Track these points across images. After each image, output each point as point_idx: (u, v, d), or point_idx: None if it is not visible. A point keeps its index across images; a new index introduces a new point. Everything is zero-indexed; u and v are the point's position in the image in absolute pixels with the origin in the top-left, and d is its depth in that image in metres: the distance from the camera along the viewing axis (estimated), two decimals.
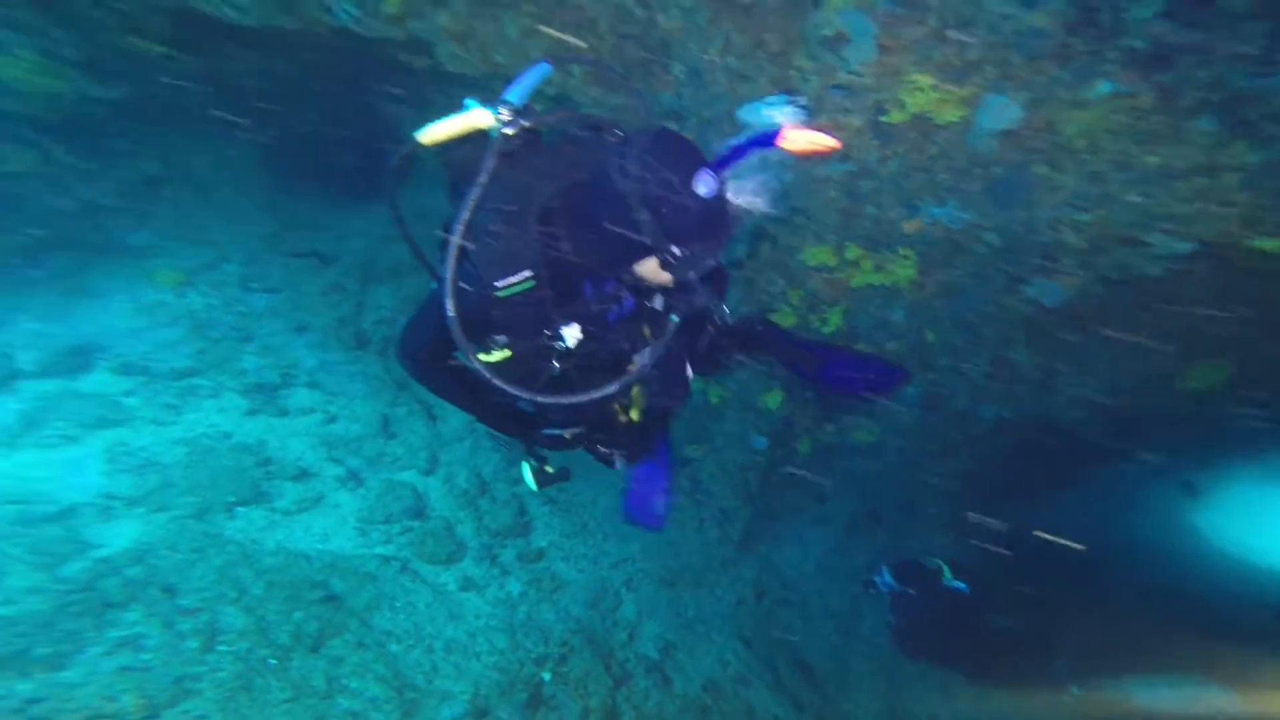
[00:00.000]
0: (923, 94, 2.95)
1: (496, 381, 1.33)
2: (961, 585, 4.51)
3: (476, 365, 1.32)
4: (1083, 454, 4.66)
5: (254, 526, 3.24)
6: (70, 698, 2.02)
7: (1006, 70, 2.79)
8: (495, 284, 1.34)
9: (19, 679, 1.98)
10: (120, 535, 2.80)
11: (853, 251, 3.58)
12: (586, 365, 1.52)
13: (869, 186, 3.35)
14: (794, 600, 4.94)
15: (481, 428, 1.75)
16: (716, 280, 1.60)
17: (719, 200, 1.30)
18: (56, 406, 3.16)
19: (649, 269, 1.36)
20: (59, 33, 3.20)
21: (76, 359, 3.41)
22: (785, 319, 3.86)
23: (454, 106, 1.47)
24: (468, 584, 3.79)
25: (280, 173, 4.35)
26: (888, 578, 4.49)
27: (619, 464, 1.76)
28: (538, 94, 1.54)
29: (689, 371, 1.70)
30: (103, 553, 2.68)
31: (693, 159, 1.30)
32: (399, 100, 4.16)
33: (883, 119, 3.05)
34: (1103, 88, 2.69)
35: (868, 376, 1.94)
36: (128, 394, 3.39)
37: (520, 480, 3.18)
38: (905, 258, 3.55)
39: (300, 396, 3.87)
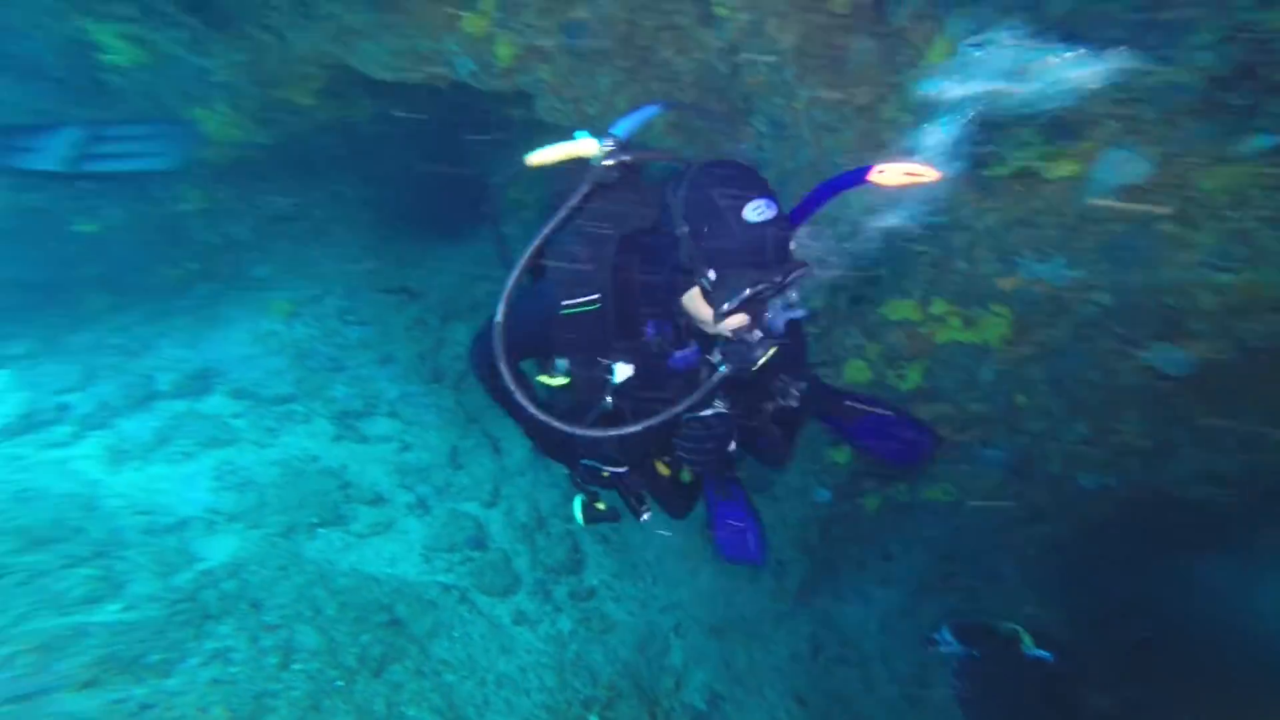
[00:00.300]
0: (1030, 148, 2.80)
1: (517, 395, 1.32)
2: (1045, 654, 4.02)
3: (504, 372, 1.32)
4: (1215, 523, 4.09)
5: (331, 547, 3.49)
6: (173, 706, 2.25)
7: (1133, 125, 2.60)
8: (563, 301, 1.38)
9: (134, 684, 2.23)
10: (220, 549, 3.11)
11: (940, 306, 3.44)
12: (636, 409, 1.52)
13: (962, 240, 3.21)
14: (853, 659, 4.64)
15: (539, 460, 1.78)
16: (791, 352, 1.52)
17: (770, 231, 1.24)
18: (182, 426, 3.60)
19: (694, 301, 1.33)
20: (249, 88, 3.70)
21: (201, 382, 3.88)
22: (859, 373, 3.73)
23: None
24: (521, 618, 3.87)
25: (383, 212, 4.78)
26: (948, 636, 4.05)
27: (645, 516, 1.70)
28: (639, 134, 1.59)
29: (732, 443, 1.58)
30: (205, 565, 2.99)
31: (749, 185, 1.27)
32: (492, 147, 4.48)
33: (983, 172, 2.92)
34: (1260, 141, 2.43)
35: (893, 445, 1.82)
36: (237, 416, 3.80)
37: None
38: (998, 315, 3.35)
39: (380, 425, 4.17)
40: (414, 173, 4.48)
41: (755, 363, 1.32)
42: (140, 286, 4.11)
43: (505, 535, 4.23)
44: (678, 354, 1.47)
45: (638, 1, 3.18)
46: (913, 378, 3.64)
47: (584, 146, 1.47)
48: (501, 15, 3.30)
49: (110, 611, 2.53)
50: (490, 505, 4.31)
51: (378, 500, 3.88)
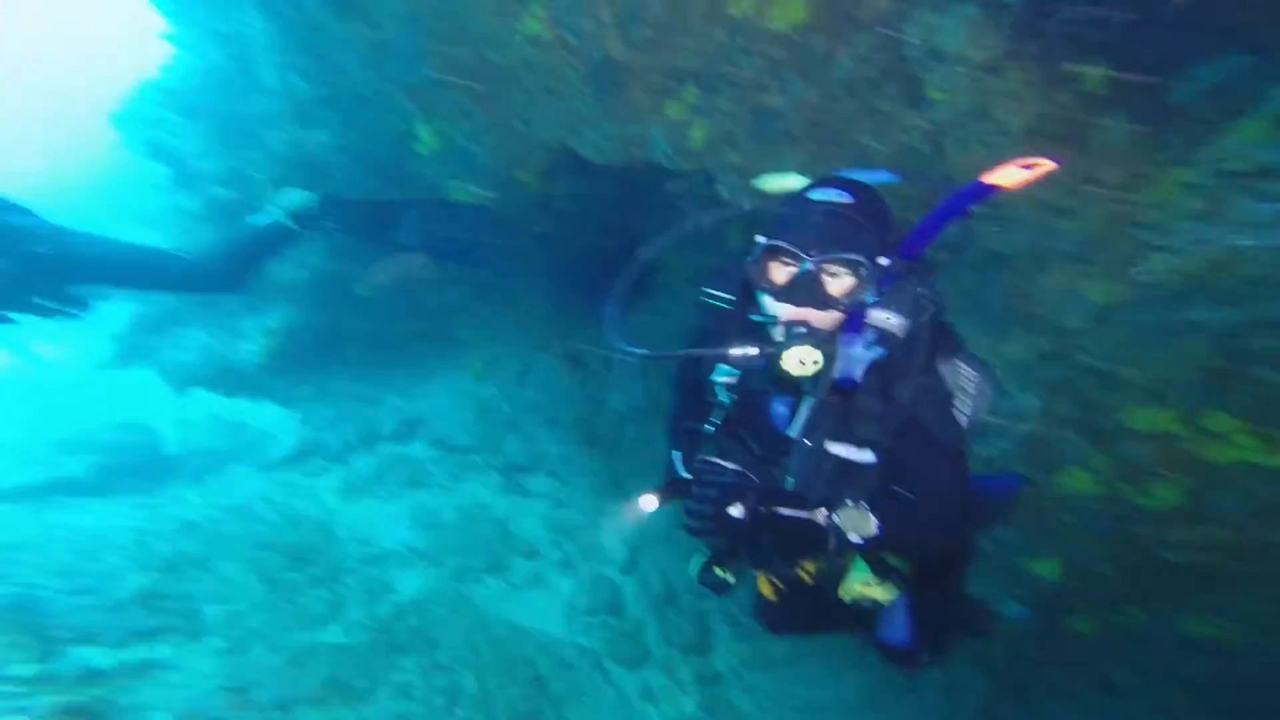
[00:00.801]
0: None
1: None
2: None
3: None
4: None
5: (492, 594, 3.91)
6: None
7: None
8: (705, 287, 1.52)
9: (345, 707, 2.73)
10: (410, 584, 3.67)
11: (1220, 421, 2.78)
12: (736, 442, 1.52)
13: (1263, 346, 2.59)
14: None
15: (679, 536, 1.79)
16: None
17: (821, 208, 1.30)
18: (394, 467, 4.36)
19: None
20: (495, 169, 4.34)
21: (410, 429, 4.67)
22: (1079, 483, 3.16)
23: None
24: (647, 693, 3.92)
25: (564, 284, 5.33)
26: None
27: (644, 504, 1.60)
28: None
29: (740, 507, 1.35)
30: (399, 598, 3.55)
31: (836, 180, 1.37)
32: (657, 224, 4.72)
33: None
34: None
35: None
36: (433, 462, 4.48)
37: (705, 595, 3.16)
38: None
39: (541, 482, 4.60)
40: (595, 249, 4.90)
41: (777, 355, 1.26)
42: (383, 342, 5.07)
43: (639, 605, 4.35)
44: (777, 404, 1.43)
45: (837, 88, 3.18)
46: (1164, 496, 2.97)
47: (794, 181, 1.58)
48: (700, 102, 3.54)
49: (333, 632, 3.13)
50: (627, 572, 4.47)
51: (532, 553, 4.27)
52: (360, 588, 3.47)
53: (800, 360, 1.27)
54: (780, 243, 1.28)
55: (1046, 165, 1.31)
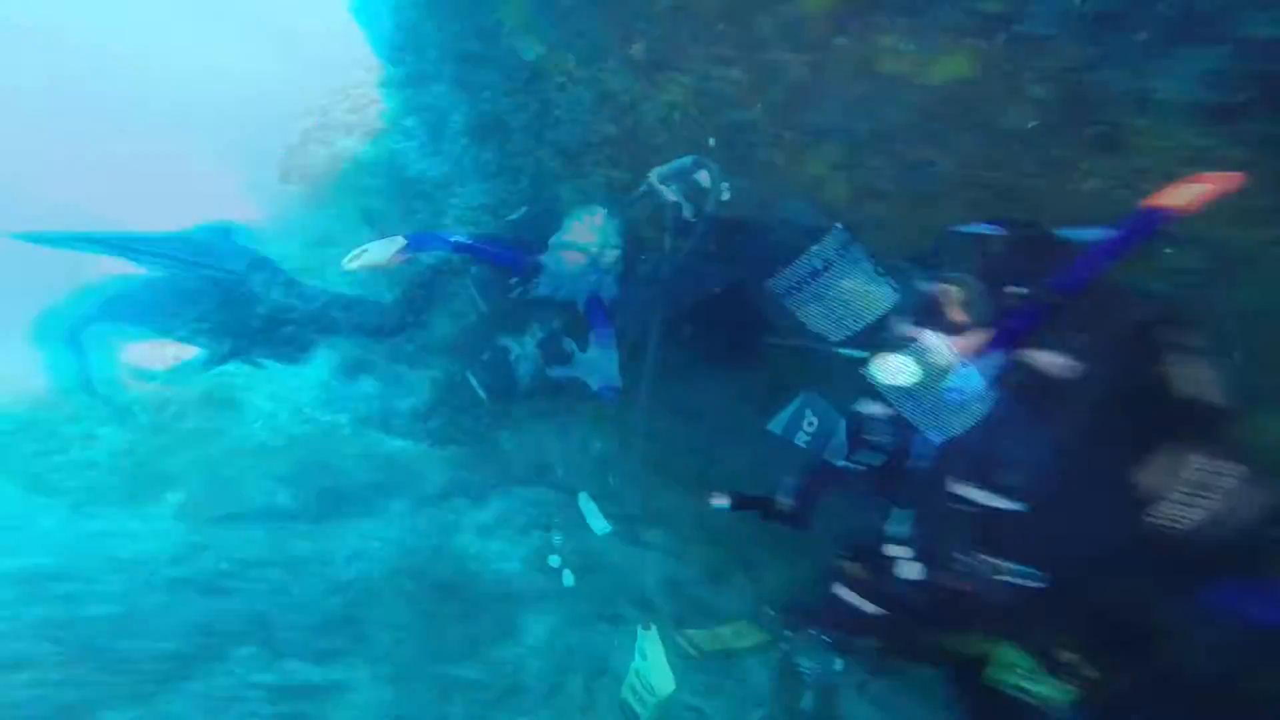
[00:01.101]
0: None
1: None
2: None
3: None
4: None
5: (608, 644, 4.04)
6: None
7: None
8: None
9: None
10: (537, 627, 3.92)
11: None
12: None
13: None
14: None
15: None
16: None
17: (955, 236, 1.41)
18: (523, 509, 4.73)
19: None
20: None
21: (537, 475, 5.05)
22: None
23: None
24: None
25: (686, 337, 5.41)
26: None
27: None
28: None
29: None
30: (526, 639, 3.80)
31: (1006, 219, 1.48)
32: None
33: None
34: None
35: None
36: (556, 506, 4.79)
37: (822, 670, 2.94)
38: None
39: (654, 533, 4.69)
40: (714, 303, 4.95)
41: (869, 359, 1.28)
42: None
43: (755, 666, 4.20)
44: (921, 442, 1.39)
45: (1008, 138, 2.98)
46: None
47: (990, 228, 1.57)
48: (843, 160, 3.53)
49: (469, 668, 3.45)
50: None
51: (646, 605, 4.34)
52: (493, 626, 3.79)
53: (887, 366, 1.23)
54: (899, 261, 1.34)
55: (1232, 178, 1.16)
